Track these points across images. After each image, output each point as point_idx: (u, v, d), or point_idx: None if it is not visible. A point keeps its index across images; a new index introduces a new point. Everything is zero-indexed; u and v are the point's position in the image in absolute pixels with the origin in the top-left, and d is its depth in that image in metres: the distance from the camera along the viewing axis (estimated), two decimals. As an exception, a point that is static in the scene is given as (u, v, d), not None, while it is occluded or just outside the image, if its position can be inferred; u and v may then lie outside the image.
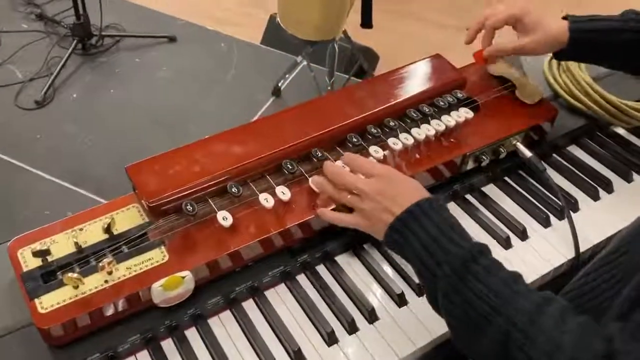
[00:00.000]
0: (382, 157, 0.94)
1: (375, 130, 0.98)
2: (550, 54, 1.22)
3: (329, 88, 2.27)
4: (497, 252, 0.95)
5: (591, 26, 0.98)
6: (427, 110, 1.01)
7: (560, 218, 1.01)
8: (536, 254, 0.95)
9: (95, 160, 2.12)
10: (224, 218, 0.85)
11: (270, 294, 0.89)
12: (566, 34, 0.97)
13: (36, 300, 0.78)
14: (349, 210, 0.85)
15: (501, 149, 1.03)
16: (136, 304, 0.81)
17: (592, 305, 0.75)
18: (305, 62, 2.27)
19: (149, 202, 0.84)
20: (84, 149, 2.17)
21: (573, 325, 0.65)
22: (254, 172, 0.91)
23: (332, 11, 1.99)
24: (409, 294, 0.89)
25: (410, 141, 0.97)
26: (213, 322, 0.86)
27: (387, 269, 0.92)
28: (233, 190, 0.88)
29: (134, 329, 0.81)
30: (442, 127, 0.99)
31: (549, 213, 1.01)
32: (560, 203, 1.00)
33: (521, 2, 1.01)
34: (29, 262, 0.82)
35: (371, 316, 0.86)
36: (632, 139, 1.16)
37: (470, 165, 1.02)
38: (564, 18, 0.99)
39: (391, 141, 0.96)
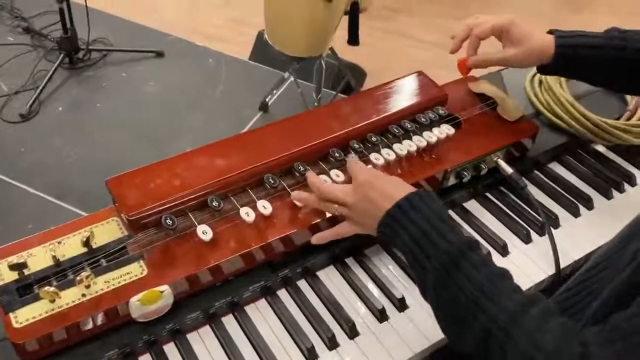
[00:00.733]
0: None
1: (358, 146, 0.98)
2: (533, 71, 1.24)
3: (316, 104, 2.28)
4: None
5: (576, 42, 0.98)
6: (409, 126, 1.02)
7: (541, 234, 1.01)
8: (517, 269, 0.96)
9: (79, 174, 2.10)
10: (204, 232, 0.85)
11: (250, 309, 0.88)
12: (552, 48, 0.98)
13: (11, 315, 0.77)
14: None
15: (482, 165, 1.04)
16: (114, 318, 0.80)
17: (573, 320, 0.76)
18: (292, 78, 2.28)
19: (128, 216, 0.84)
20: (69, 162, 2.15)
21: (554, 325, 0.65)
22: (235, 186, 0.91)
23: (318, 28, 2.00)
24: (390, 310, 0.89)
25: (392, 156, 0.97)
26: (192, 337, 0.85)
27: (369, 284, 0.92)
28: (214, 204, 0.88)
29: (112, 344, 0.80)
30: (423, 143, 1.00)
31: (529, 229, 1.01)
32: (540, 219, 1.01)
33: (508, 14, 1.02)
34: (5, 275, 0.81)
35: (352, 331, 0.86)
36: (612, 156, 1.18)
37: (451, 181, 1.03)
38: (550, 32, 1.00)
39: (373, 156, 0.97)
